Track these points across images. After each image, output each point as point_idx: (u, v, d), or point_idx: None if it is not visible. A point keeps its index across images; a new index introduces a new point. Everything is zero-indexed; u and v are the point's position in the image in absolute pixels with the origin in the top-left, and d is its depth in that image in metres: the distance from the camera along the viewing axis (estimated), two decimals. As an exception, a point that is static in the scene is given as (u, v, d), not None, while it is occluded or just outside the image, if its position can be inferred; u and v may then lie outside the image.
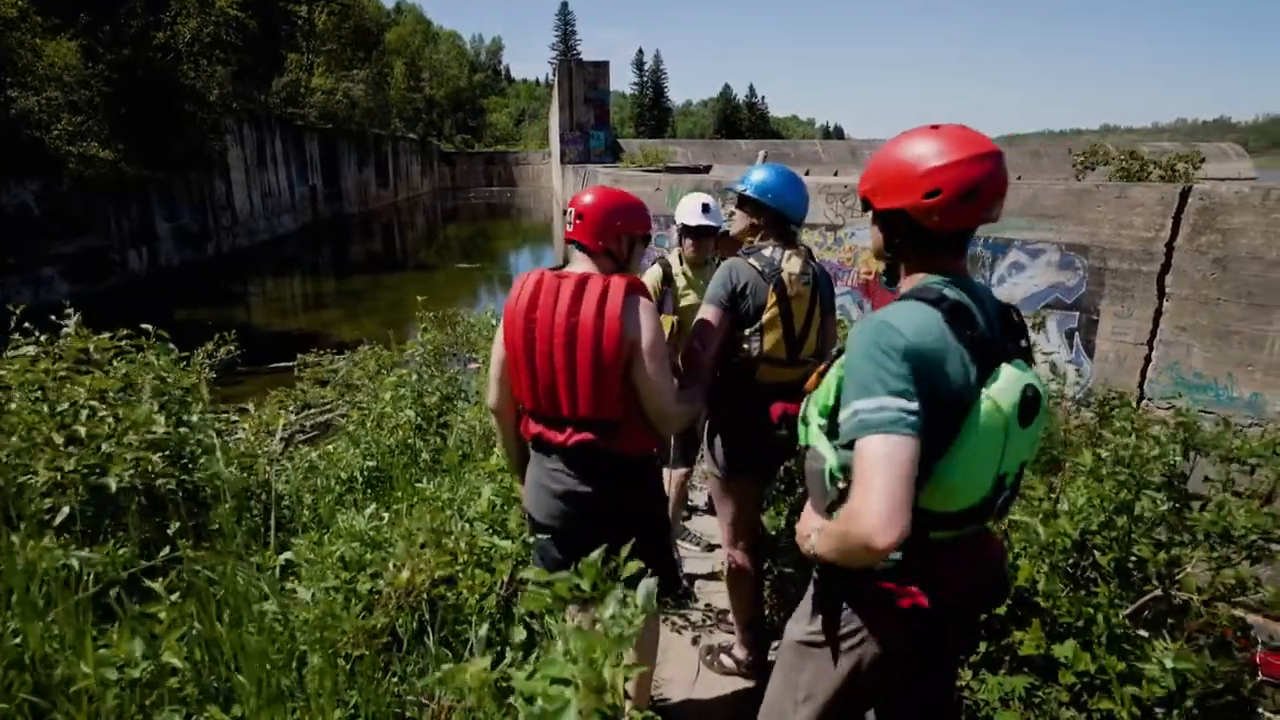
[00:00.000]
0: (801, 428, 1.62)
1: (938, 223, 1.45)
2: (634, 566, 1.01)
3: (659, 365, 2.07)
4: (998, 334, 1.50)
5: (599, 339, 1.99)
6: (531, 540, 2.35)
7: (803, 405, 1.64)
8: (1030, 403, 1.42)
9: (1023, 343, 1.56)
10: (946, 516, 1.45)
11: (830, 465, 1.49)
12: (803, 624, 1.68)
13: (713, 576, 3.91)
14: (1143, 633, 1.95)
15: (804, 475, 1.69)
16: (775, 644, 3.07)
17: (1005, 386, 1.39)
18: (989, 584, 1.59)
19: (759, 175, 2.74)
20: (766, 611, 3.17)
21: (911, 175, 1.45)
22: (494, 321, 7.84)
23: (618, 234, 2.17)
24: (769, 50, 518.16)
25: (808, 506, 1.62)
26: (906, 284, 1.56)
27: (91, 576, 1.86)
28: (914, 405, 1.31)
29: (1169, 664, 1.82)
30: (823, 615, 1.62)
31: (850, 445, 1.35)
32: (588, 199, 2.17)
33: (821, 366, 1.64)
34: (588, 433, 2.08)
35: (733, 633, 3.16)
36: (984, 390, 1.39)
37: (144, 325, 3.31)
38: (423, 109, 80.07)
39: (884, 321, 1.41)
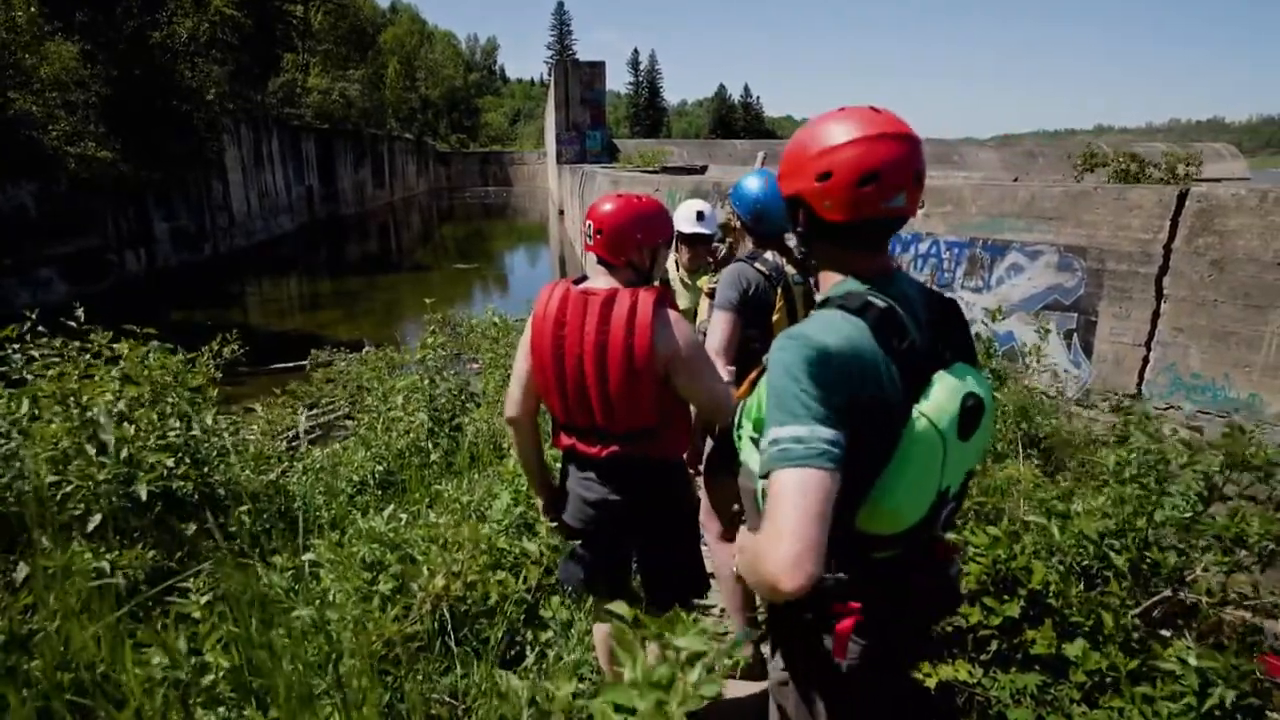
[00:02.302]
0: (735, 435, 1.50)
1: (831, 210, 1.31)
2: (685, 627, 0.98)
3: (703, 363, 2.07)
4: (929, 340, 1.36)
5: (630, 355, 1.98)
6: (559, 544, 2.37)
7: (737, 412, 1.53)
8: (971, 413, 1.30)
9: (965, 340, 1.44)
10: (888, 538, 1.36)
11: (762, 486, 1.37)
12: (775, 662, 1.61)
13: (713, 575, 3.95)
14: (1164, 631, 1.97)
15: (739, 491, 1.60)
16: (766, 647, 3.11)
17: (940, 401, 1.28)
18: (937, 594, 1.52)
19: (746, 184, 2.83)
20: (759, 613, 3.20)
21: (805, 157, 1.32)
22: (496, 322, 7.89)
23: (638, 246, 2.12)
24: (764, 50, 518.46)
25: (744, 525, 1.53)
26: (825, 283, 1.43)
27: (121, 578, 1.91)
28: (834, 434, 1.19)
29: (1192, 661, 1.79)
30: (782, 651, 1.57)
31: (768, 476, 1.24)
32: (606, 209, 2.12)
33: (752, 374, 1.50)
34: (622, 443, 2.09)
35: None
36: (917, 407, 1.27)
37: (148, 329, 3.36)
38: (418, 109, 79.97)
39: (806, 335, 1.27)
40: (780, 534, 1.15)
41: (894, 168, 1.27)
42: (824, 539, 1.15)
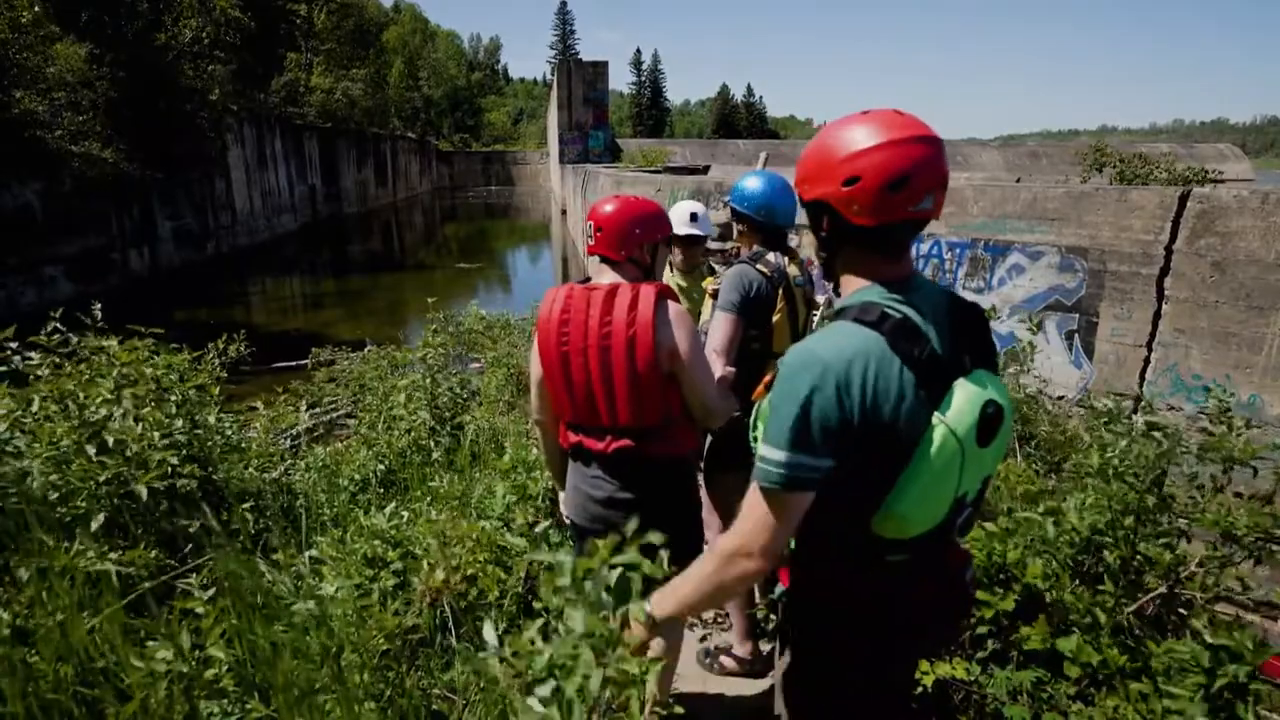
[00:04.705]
0: (751, 437, 1.53)
1: (859, 214, 1.31)
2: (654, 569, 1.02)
3: (699, 365, 2.10)
4: (950, 347, 1.35)
5: (632, 348, 2.01)
6: (557, 539, 2.39)
7: (753, 413, 1.55)
8: (990, 420, 1.31)
9: (987, 346, 1.45)
10: (902, 543, 1.38)
11: None
12: (784, 658, 1.63)
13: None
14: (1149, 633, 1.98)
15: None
16: (767, 644, 3.12)
17: (960, 409, 1.28)
18: (950, 598, 1.53)
19: (747, 183, 2.84)
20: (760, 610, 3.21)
21: (831, 161, 1.32)
22: (509, 324, 7.92)
23: (639, 242, 2.18)
24: (767, 50, 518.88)
25: None
26: (847, 288, 1.43)
27: (115, 575, 1.91)
28: (815, 462, 1.27)
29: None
30: (793, 648, 1.59)
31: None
32: (606, 210, 2.19)
33: (767, 377, 1.51)
34: (628, 439, 2.11)
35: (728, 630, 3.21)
36: (936, 415, 1.28)
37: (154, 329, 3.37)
38: (421, 108, 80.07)
39: (815, 354, 1.29)
40: (748, 525, 1.33)
41: (922, 171, 1.27)
42: (784, 543, 1.34)
